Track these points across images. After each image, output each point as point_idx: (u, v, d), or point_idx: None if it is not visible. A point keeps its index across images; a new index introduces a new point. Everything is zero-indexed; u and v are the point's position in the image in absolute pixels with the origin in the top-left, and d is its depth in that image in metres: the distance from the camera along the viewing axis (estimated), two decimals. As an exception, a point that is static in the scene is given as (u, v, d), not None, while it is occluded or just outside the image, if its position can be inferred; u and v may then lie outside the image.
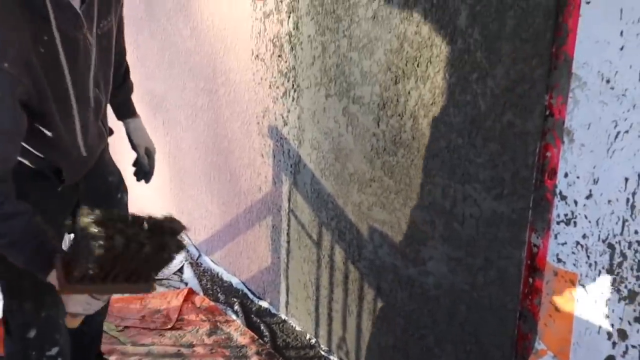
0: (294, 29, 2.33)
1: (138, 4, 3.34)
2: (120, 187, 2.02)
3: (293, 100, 2.43)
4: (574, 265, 1.57)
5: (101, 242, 1.24)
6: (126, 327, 2.73)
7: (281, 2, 2.37)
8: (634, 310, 1.47)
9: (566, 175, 1.53)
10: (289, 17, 2.34)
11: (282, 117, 2.52)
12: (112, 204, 1.95)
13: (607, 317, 1.53)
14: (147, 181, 2.05)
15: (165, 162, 3.44)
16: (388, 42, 1.92)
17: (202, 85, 3.05)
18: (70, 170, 1.73)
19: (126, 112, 2.03)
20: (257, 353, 2.53)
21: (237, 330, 2.70)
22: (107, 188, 1.97)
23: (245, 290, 3.05)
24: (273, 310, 2.87)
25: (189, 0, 2.98)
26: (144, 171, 2.05)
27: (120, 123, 2.10)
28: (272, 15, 2.43)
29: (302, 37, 2.30)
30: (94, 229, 1.24)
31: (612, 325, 1.53)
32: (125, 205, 2.05)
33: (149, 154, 2.06)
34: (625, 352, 1.52)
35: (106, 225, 1.27)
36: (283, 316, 2.81)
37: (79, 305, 1.49)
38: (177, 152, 3.38)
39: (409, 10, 1.83)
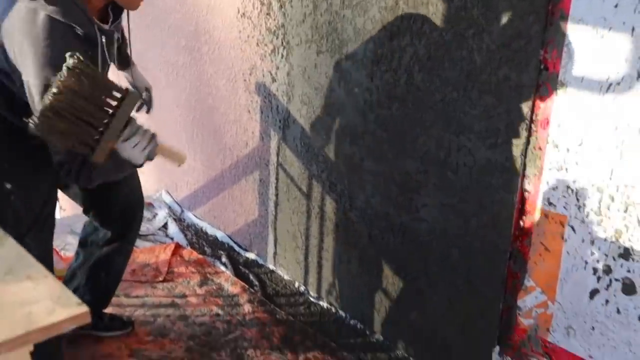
0: (283, -14, 2.38)
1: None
2: None
3: (282, 58, 2.49)
4: (564, 208, 1.71)
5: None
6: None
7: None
8: (619, 247, 1.62)
9: (559, 125, 1.66)
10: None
11: (271, 74, 2.58)
12: None
13: (593, 254, 1.68)
14: (148, 112, 2.24)
15: (144, 119, 3.46)
16: (383, 1, 2.00)
17: (184, 44, 3.08)
18: None
19: (127, 63, 2.14)
20: (249, 301, 2.63)
21: (227, 280, 2.80)
22: None
23: (232, 243, 3.14)
24: (260, 261, 2.97)
25: (169, -44, 2.98)
26: (148, 107, 2.22)
27: None
28: (260, -27, 2.47)
29: (292, -6, 2.35)
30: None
31: (598, 261, 1.68)
32: None
33: (149, 91, 2.22)
34: (608, 285, 1.67)
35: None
36: (271, 266, 2.91)
37: (125, 150, 1.58)
38: (157, 109, 3.39)
39: (405, -32, 1.91)
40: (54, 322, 0.89)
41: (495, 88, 1.76)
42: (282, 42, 2.47)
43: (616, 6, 1.46)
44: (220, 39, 2.82)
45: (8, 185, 1.75)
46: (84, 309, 0.92)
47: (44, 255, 1.85)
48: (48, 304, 0.92)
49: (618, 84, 1.51)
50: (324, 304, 2.64)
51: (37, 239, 1.80)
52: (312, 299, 2.69)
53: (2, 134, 1.75)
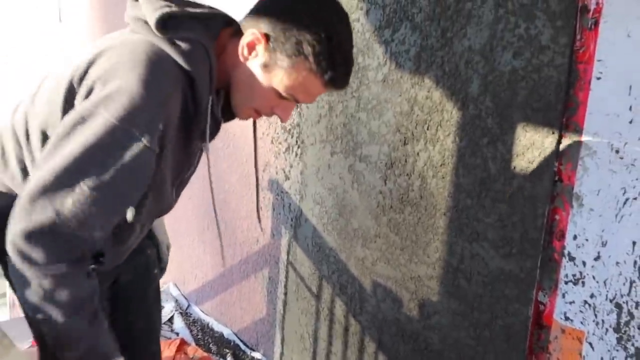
0: (300, 87, 2.42)
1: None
2: (156, 261, 1.92)
3: (296, 156, 2.50)
4: (582, 323, 1.65)
5: None
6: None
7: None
8: (640, 367, 1.55)
9: (575, 237, 1.63)
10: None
11: (284, 172, 2.59)
12: (150, 280, 1.86)
13: (613, 373, 1.61)
14: (161, 277, 1.96)
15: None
16: (398, 104, 2.02)
17: (200, 137, 3.11)
18: (115, 257, 1.54)
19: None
20: (254, 405, 2.54)
21: (231, 381, 2.71)
22: (146, 263, 1.86)
23: (238, 341, 3.06)
24: (267, 362, 2.89)
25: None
26: (161, 267, 1.96)
27: None
28: (278, 74, 2.52)
29: (309, 96, 2.38)
30: None
31: (618, 382, 1.60)
32: (158, 284, 1.93)
33: (168, 249, 2.00)
34: (630, 408, 1.59)
35: None
36: (277, 368, 2.83)
37: None
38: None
39: (420, 76, 1.93)
40: None
41: (510, 197, 1.74)
42: (297, 141, 2.49)
43: (631, 122, 1.46)
44: (235, 135, 2.85)
45: None
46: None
47: None
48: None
49: (635, 198, 1.49)
50: (330, 410, 2.54)
51: None
52: (318, 404, 2.59)
53: None
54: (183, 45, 1.28)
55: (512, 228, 1.75)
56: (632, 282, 1.53)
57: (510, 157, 1.73)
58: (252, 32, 1.33)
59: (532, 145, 1.67)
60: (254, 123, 1.62)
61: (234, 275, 3.05)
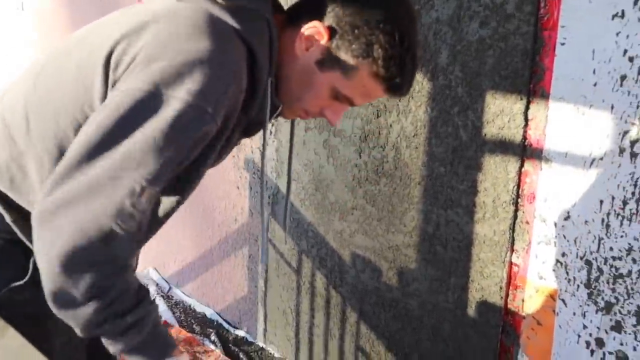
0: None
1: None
2: None
3: (271, 134, 2.53)
4: (554, 281, 1.72)
5: None
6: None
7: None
8: (610, 320, 1.62)
9: (545, 199, 1.69)
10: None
11: (259, 150, 2.62)
12: None
13: (586, 327, 1.68)
14: None
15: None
16: (369, 78, 2.05)
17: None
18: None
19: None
20: (240, 381, 2.59)
21: (217, 359, 2.75)
22: None
23: (221, 321, 3.10)
24: (250, 339, 2.93)
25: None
26: None
27: None
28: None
29: (281, 74, 2.41)
30: None
31: (590, 335, 1.67)
32: None
33: None
34: (602, 359, 1.66)
35: None
36: (261, 344, 2.87)
37: None
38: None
39: (390, 49, 1.97)
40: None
41: (481, 163, 1.80)
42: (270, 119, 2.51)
43: (595, 85, 1.52)
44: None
45: None
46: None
47: None
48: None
49: (601, 158, 1.55)
50: (315, 381, 2.60)
51: None
52: (303, 376, 2.64)
53: None
54: (247, 16, 1.12)
55: (485, 193, 1.81)
56: (600, 239, 1.60)
57: (481, 125, 1.78)
58: (314, 24, 1.16)
59: (501, 112, 1.72)
60: (292, 126, 1.46)
61: (214, 256, 3.08)
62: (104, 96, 1.09)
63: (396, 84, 1.19)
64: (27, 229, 1.11)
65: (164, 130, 1.00)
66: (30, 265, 1.21)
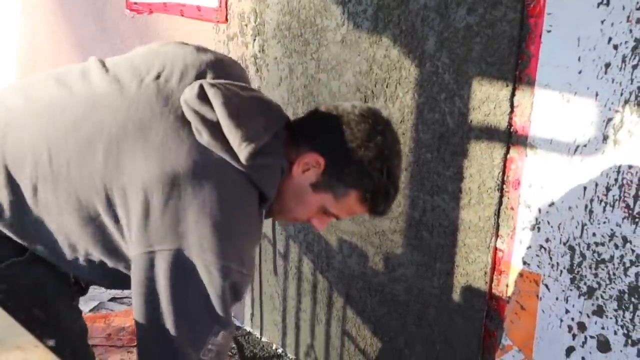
0: (259, 51, 2.44)
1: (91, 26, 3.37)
2: None
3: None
4: (538, 266, 1.74)
5: None
6: (93, 345, 2.74)
7: (246, 25, 2.47)
8: (592, 304, 1.65)
9: (530, 185, 1.70)
10: (255, 40, 2.45)
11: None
12: None
13: (568, 312, 1.71)
14: None
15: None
16: (357, 64, 2.06)
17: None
18: None
19: None
20: (227, 364, 2.60)
21: (204, 343, 2.77)
22: None
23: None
24: (237, 323, 2.94)
25: (146, 23, 3.04)
26: None
27: None
28: (237, 38, 2.53)
29: (268, 60, 2.41)
30: None
31: (572, 319, 1.70)
32: None
33: None
34: (584, 343, 1.69)
35: None
36: (248, 328, 2.89)
37: None
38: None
39: (378, 35, 1.97)
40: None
41: (468, 150, 1.81)
42: (259, 105, 2.51)
43: (580, 72, 1.53)
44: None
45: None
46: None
47: None
48: (39, 374, 0.91)
49: (585, 146, 1.57)
50: (301, 365, 2.62)
51: None
52: (289, 360, 2.67)
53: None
54: (268, 172, 1.26)
55: (470, 179, 1.82)
56: (583, 225, 1.62)
57: (467, 111, 1.79)
58: (313, 155, 1.31)
59: (487, 99, 1.73)
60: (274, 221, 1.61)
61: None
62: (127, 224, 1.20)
63: (381, 210, 1.39)
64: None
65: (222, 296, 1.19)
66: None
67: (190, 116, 1.20)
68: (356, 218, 2.19)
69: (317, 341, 2.53)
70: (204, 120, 1.19)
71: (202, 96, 1.20)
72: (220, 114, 1.19)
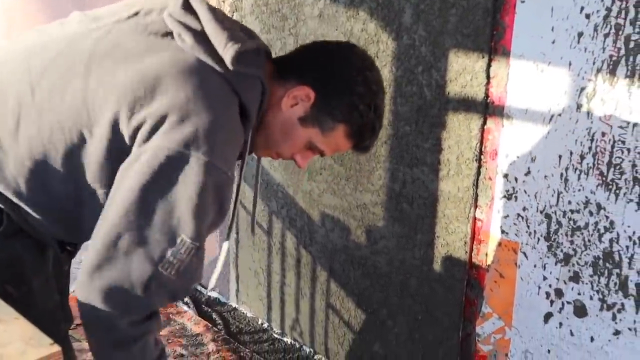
0: (238, 27, 2.43)
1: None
2: None
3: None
4: (516, 235, 1.77)
5: None
6: (78, 324, 2.75)
7: (223, 2, 2.47)
8: (569, 271, 1.68)
9: (507, 155, 1.73)
10: (232, 15, 2.44)
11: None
12: None
13: (545, 278, 1.74)
14: None
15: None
16: (335, 38, 2.06)
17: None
18: None
19: None
20: (213, 340, 2.63)
21: (190, 320, 2.79)
22: None
23: (193, 282, 3.13)
24: (223, 300, 2.97)
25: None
26: None
27: None
28: (215, 15, 2.52)
29: (247, 35, 2.40)
30: None
31: (550, 286, 1.74)
32: None
33: None
34: (561, 309, 1.73)
35: None
36: (234, 304, 2.91)
37: None
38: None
39: (355, 9, 1.97)
40: (27, 362, 0.89)
41: (445, 122, 1.83)
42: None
43: (554, 42, 1.55)
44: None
45: None
46: (56, 348, 0.92)
47: None
48: (19, 345, 0.92)
49: (559, 115, 1.59)
50: (288, 339, 2.65)
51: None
52: (275, 335, 2.69)
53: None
54: (249, 82, 1.25)
55: (449, 151, 1.84)
56: (559, 193, 1.65)
57: (445, 83, 1.80)
58: (303, 87, 1.31)
59: (464, 70, 1.75)
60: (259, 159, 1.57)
61: (185, 219, 3.09)
62: (110, 137, 1.17)
63: (365, 145, 1.41)
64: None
65: (197, 190, 1.14)
66: (4, 218, 1.26)
67: (173, 26, 1.22)
68: (338, 191, 2.21)
69: (301, 315, 2.56)
70: (187, 27, 1.21)
71: (187, 6, 1.23)
72: (205, 18, 1.22)
